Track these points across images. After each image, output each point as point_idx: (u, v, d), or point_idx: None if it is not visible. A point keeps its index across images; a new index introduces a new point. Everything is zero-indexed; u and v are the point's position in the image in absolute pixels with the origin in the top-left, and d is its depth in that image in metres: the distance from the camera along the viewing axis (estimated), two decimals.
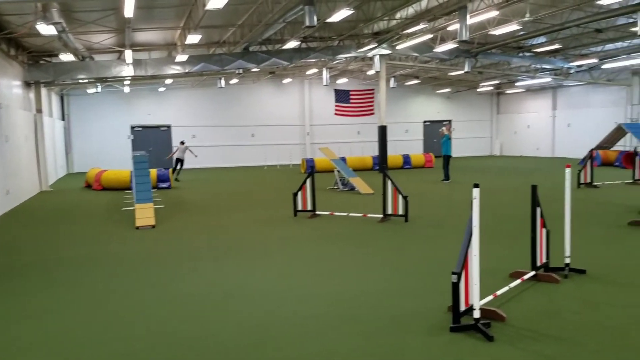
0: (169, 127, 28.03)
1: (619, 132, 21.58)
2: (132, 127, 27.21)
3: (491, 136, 35.03)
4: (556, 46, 20.45)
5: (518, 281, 5.28)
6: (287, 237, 8.28)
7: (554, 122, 30.36)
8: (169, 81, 23.91)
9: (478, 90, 32.68)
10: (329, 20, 13.52)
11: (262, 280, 5.85)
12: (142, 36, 16.70)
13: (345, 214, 10.33)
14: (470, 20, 13.41)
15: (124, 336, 4.29)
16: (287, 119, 29.98)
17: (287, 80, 28.97)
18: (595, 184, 14.34)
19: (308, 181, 10.32)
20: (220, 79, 24.50)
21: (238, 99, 29.16)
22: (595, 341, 3.91)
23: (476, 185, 4.19)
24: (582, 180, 14.23)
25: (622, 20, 16.34)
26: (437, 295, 5.03)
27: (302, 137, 30.36)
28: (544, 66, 23.68)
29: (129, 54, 16.67)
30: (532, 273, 5.43)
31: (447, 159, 16.83)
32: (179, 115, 28.11)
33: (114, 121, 26.64)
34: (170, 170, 18.22)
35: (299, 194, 10.44)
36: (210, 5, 10.45)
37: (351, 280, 5.75)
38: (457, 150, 33.54)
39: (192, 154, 21.01)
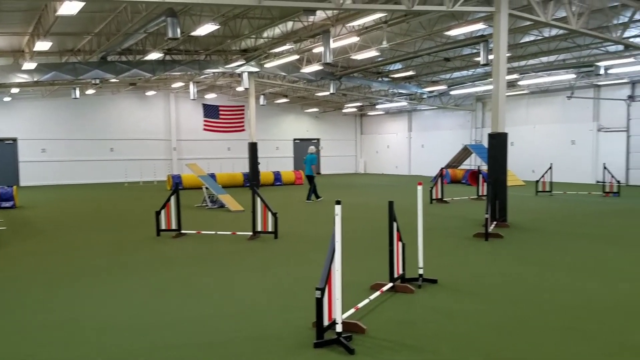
0: (14, 140, 25.05)
1: (465, 153, 24.02)
2: None
3: (356, 155, 36.81)
4: (410, 73, 22.25)
5: (377, 293, 5.49)
6: (147, 259, 7.75)
7: (410, 143, 32.87)
8: (15, 90, 21.42)
9: (343, 111, 34.23)
10: (194, 33, 13.22)
11: (116, 307, 5.37)
12: None
13: (213, 232, 10.01)
14: (333, 45, 14.02)
15: None
16: (152, 133, 28.57)
17: (151, 93, 27.67)
18: (445, 199, 15.70)
19: (172, 198, 9.84)
20: (74, 89, 22.57)
21: (95, 110, 27.11)
22: (448, 348, 4.18)
23: (338, 202, 4.28)
24: (434, 197, 15.50)
25: (467, 51, 18.33)
26: (304, 311, 5.03)
27: (168, 152, 29.13)
28: (400, 91, 25.61)
29: None
30: (390, 284, 5.70)
31: (311, 178, 16.17)
32: (27, 128, 25.33)
33: None
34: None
35: (162, 212, 9.90)
36: (62, 11, 9.58)
37: (215, 302, 5.52)
38: (326, 168, 34.76)
39: None
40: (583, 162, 22.92)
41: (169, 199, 9.85)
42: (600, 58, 18.05)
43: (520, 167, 24.32)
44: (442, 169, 16.79)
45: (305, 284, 6.07)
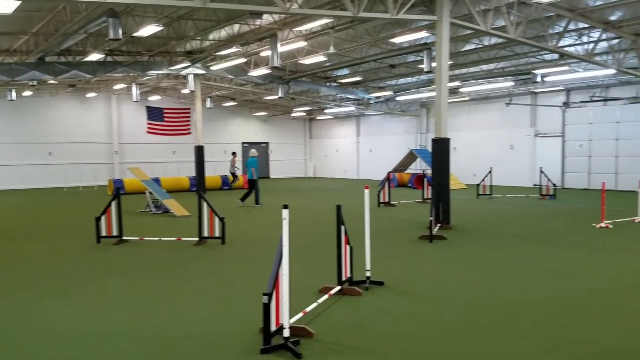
0: None
1: (411, 157, 24.57)
2: None
3: (305, 159, 36.90)
4: (358, 78, 22.56)
5: (326, 296, 5.52)
6: (86, 268, 7.43)
7: (358, 147, 33.30)
8: None
9: (292, 115, 34.26)
10: (137, 34, 12.86)
11: (54, 319, 5.11)
12: None
13: (157, 238, 9.73)
14: (281, 48, 14.01)
15: None
16: (92, 136, 27.53)
17: (91, 95, 26.66)
18: (392, 203, 15.99)
19: (113, 204, 9.49)
20: (10, 90, 21.41)
21: (33, 113, 25.84)
22: (393, 349, 4.25)
23: (285, 207, 4.27)
24: (381, 200, 15.75)
25: (412, 58, 18.79)
26: (251, 317, 4.98)
27: (110, 156, 28.14)
28: (348, 96, 25.91)
29: None
30: (338, 287, 5.74)
31: (252, 183, 15.65)
32: None
33: None
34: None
35: (103, 218, 9.53)
36: None
37: (159, 310, 5.36)
38: (275, 171, 34.63)
39: None
40: (521, 166, 23.99)
41: (109, 204, 9.51)
42: (537, 66, 18.98)
43: (462, 171, 25.16)
44: (389, 172, 17.10)
45: (253, 289, 6.01)
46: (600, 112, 21.16)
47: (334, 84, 23.92)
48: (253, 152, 16.18)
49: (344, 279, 5.79)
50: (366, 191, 5.96)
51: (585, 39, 14.71)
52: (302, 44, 14.63)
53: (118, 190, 9.68)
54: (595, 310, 5.19)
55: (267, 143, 34.41)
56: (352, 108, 28.95)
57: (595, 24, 13.30)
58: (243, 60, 17.29)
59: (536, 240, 9.38)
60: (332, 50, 14.75)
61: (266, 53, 15.78)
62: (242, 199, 15.85)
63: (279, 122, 35.05)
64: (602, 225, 10.75)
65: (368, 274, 6.10)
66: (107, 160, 27.97)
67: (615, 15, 13.26)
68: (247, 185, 15.97)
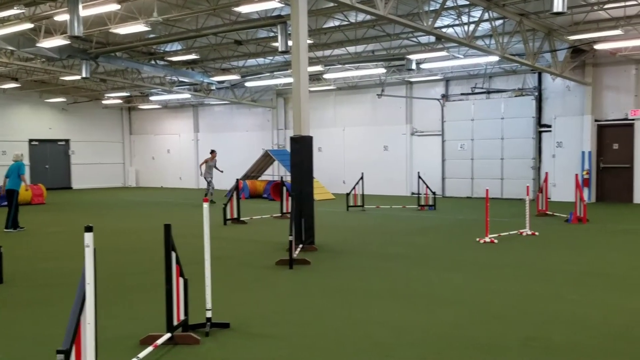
0: None
1: (266, 160, 24.90)
2: None
3: (124, 162, 35.60)
4: (193, 56, 22.33)
5: (150, 348, 5.33)
6: None
7: (197, 147, 32.90)
8: None
9: (104, 102, 32.90)
10: None
11: None
12: None
13: None
14: (84, 12, 13.32)
15: None
16: None
17: None
18: (243, 219, 16.05)
19: None
20: None
21: None
22: None
23: (89, 229, 4.04)
24: (228, 216, 15.70)
25: (263, 33, 19.07)
26: None
27: None
28: (181, 79, 25.50)
29: None
30: (168, 335, 5.58)
31: (11, 195, 14.70)
32: None
33: None
34: None
35: None
36: None
37: None
38: (80, 180, 32.75)
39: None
40: (397, 170, 25.61)
41: None
42: (412, 50, 20.45)
43: (330, 177, 26.13)
44: (238, 180, 17.13)
45: (44, 345, 5.61)
46: (483, 106, 23.47)
47: (162, 63, 23.39)
48: (18, 154, 15.33)
49: (176, 323, 5.65)
50: (205, 205, 5.89)
51: (465, 19, 16.21)
52: (114, 7, 14.06)
53: None
54: (481, 341, 5.69)
55: (66, 141, 32.45)
56: (187, 95, 28.52)
57: (476, 1, 14.71)
58: (29, 26, 16.08)
59: (415, 261, 10.05)
60: (156, 17, 14.38)
61: (63, 17, 14.88)
62: (8, 225, 14.68)
63: (84, 112, 33.31)
64: (487, 240, 11.89)
65: (209, 314, 6.03)
66: None
67: None
68: (7, 200, 14.85)
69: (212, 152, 23.19)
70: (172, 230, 5.58)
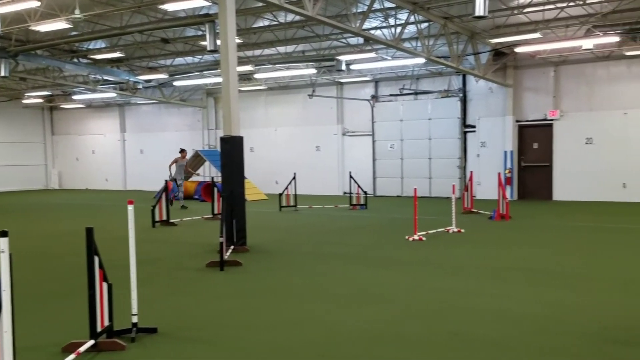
0: None
1: (197, 160, 24.59)
2: None
3: (46, 164, 34.65)
4: (118, 54, 21.81)
5: (72, 356, 5.18)
6: None
7: (124, 147, 32.22)
8: None
9: (24, 101, 31.80)
10: None
11: None
12: None
13: None
14: (3, 9, 12.84)
15: None
16: None
17: None
18: (172, 221, 15.78)
19: None
20: None
21: None
22: None
23: (3, 234, 3.88)
24: (157, 218, 15.40)
25: (191, 32, 18.81)
26: None
27: None
28: (106, 77, 24.84)
29: None
30: (92, 342, 5.43)
31: None
32: None
33: None
34: None
35: None
36: None
37: None
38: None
39: None
40: (329, 170, 25.83)
41: None
42: (341, 51, 20.65)
43: (262, 177, 26.09)
44: (167, 181, 16.87)
45: None
46: (412, 107, 23.98)
47: (85, 61, 22.73)
48: None
49: (99, 329, 5.50)
50: (130, 207, 5.76)
51: (392, 21, 16.49)
52: (34, 3, 13.56)
53: None
54: (410, 337, 5.80)
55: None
56: (112, 94, 27.83)
57: (402, 4, 15.01)
58: None
59: (346, 259, 10.16)
60: (78, 14, 13.98)
61: None
62: None
63: (3, 112, 32.13)
64: (416, 237, 12.14)
65: (135, 319, 5.89)
66: None
67: None
68: None
69: (182, 151, 21.83)
70: (96, 234, 5.46)
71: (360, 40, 19.20)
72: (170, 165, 21.83)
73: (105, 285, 5.64)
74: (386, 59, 20.79)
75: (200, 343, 5.76)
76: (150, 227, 14.96)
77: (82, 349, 5.33)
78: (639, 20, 16.37)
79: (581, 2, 15.09)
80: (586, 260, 9.79)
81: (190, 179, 25.92)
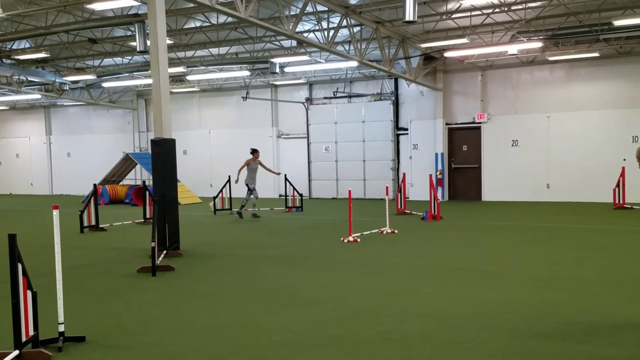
0: None
1: (128, 163, 24.09)
2: None
3: None
4: (43, 55, 21.12)
5: None
6: None
7: (50, 150, 31.26)
8: None
9: None
10: None
11: None
12: None
13: None
14: None
15: None
16: None
17: None
18: (102, 226, 15.37)
19: None
20: None
21: None
22: None
23: None
24: (86, 223, 14.98)
25: (120, 32, 18.39)
26: None
27: None
28: (31, 78, 23.99)
29: None
30: (16, 353, 5.25)
31: None
32: None
33: None
34: None
35: None
36: None
37: None
38: None
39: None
40: (265, 173, 25.58)
41: None
42: (275, 54, 20.66)
43: (197, 180, 25.81)
44: (97, 185, 16.45)
45: None
46: (345, 109, 24.23)
47: (8, 61, 21.88)
48: None
49: (24, 339, 5.32)
50: (55, 212, 5.59)
51: (325, 24, 16.62)
52: None
53: None
54: (343, 338, 5.87)
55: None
56: (37, 96, 26.91)
57: (335, 7, 15.15)
58: None
59: (282, 262, 10.16)
60: (0, 13, 13.50)
61: None
62: None
63: None
64: (351, 239, 12.27)
65: (61, 327, 5.72)
66: None
67: None
68: None
69: (255, 151, 18.11)
70: (21, 240, 5.28)
71: (294, 42, 19.26)
72: (240, 170, 17.97)
73: (29, 293, 5.46)
74: (320, 62, 20.93)
75: (130, 350, 5.65)
76: (78, 233, 14.55)
77: (7, 359, 5.15)
78: (561, 26, 17.10)
79: (506, 9, 15.66)
80: (513, 258, 10.13)
81: (121, 183, 25.40)
